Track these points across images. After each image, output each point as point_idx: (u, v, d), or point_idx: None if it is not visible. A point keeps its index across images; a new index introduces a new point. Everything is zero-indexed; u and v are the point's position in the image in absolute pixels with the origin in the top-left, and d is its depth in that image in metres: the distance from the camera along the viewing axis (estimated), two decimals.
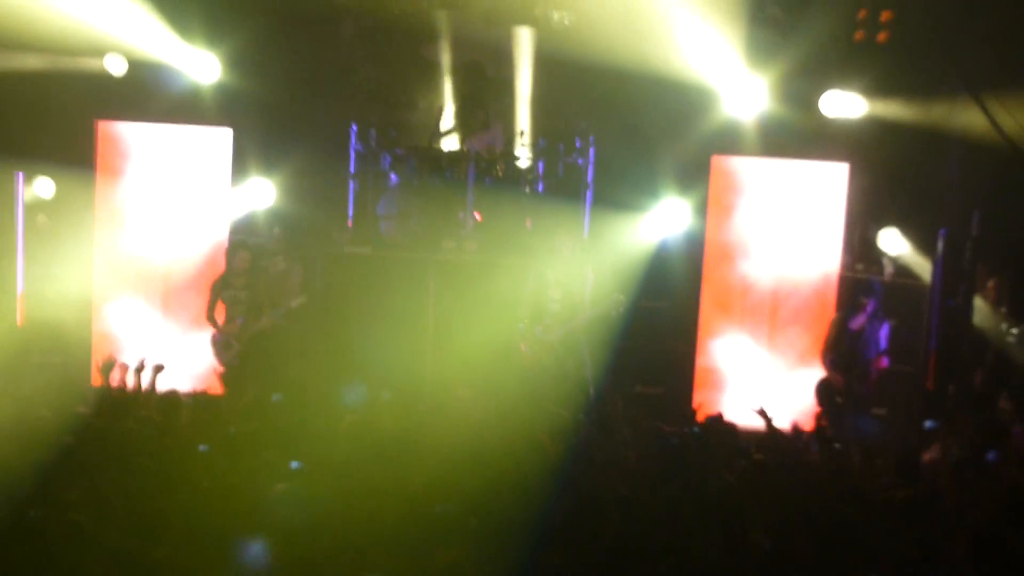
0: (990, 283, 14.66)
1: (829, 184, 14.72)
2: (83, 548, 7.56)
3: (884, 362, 13.55)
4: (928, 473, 10.17)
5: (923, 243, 14.87)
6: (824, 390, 13.74)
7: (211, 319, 14.42)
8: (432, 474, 9.49)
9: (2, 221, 14.84)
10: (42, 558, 7.41)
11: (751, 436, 12.02)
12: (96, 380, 12.23)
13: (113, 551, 7.47)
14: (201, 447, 9.63)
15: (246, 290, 14.40)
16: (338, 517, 8.42)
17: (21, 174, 14.97)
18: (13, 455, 9.13)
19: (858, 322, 13.54)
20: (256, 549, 7.69)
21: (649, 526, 8.42)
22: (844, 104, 15.44)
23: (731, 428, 11.40)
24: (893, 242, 15.04)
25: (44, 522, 7.72)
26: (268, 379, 14.17)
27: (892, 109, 15.40)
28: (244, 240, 14.98)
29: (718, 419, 11.16)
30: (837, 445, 10.87)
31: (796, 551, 7.91)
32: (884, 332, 13.60)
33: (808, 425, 12.02)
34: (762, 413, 10.89)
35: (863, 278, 14.40)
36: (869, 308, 13.50)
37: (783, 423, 11.07)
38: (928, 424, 12.25)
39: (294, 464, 9.60)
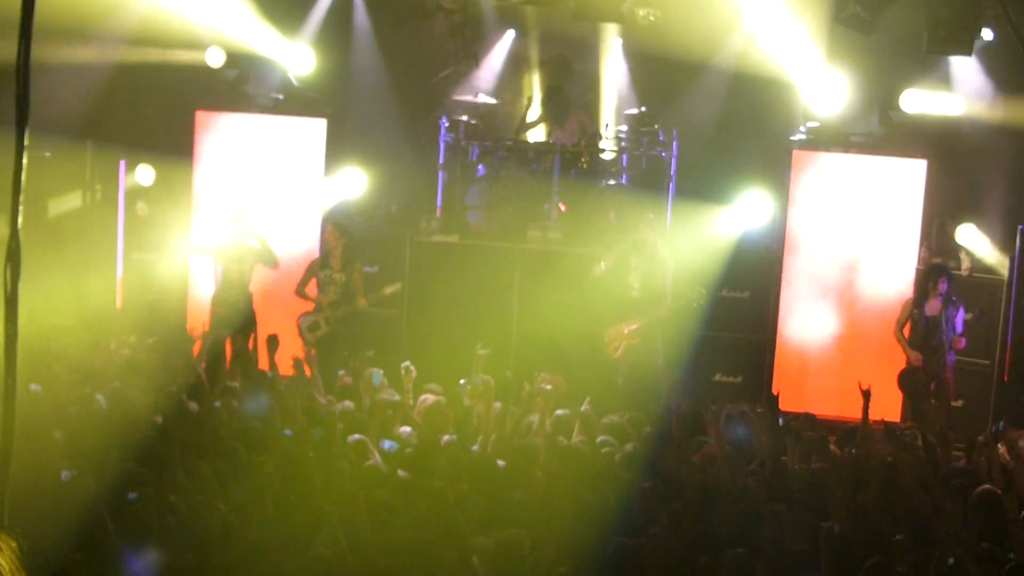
0: None
1: (907, 180, 14.74)
2: (182, 528, 7.58)
3: (962, 343, 13.48)
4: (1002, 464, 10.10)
5: (1001, 239, 14.74)
6: (908, 379, 13.77)
7: (300, 294, 14.43)
8: (513, 458, 9.59)
9: (105, 208, 14.99)
10: (141, 539, 7.35)
11: (828, 426, 12.17)
12: (191, 361, 12.35)
13: (211, 531, 7.44)
14: (286, 431, 9.69)
15: (342, 272, 14.37)
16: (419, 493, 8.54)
17: (123, 162, 15.08)
18: (112, 437, 9.25)
19: (933, 307, 13.52)
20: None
21: (728, 511, 8.44)
22: (923, 101, 15.27)
23: (810, 418, 11.53)
24: (971, 237, 14.83)
25: (143, 503, 7.71)
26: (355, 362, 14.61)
27: (971, 107, 15.27)
28: (340, 223, 14.87)
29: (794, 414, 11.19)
30: (907, 432, 10.87)
31: (869, 536, 7.91)
32: (960, 316, 13.54)
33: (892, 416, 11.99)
34: (866, 395, 10.96)
35: (934, 263, 14.32)
36: (942, 291, 13.48)
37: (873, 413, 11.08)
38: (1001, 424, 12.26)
39: (386, 444, 9.73)
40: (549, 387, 11.14)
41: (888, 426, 11.39)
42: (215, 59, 15.54)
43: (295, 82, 15.81)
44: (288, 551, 7.42)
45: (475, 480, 8.94)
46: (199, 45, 15.50)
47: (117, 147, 15.21)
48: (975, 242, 14.85)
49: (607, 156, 15.93)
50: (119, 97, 15.83)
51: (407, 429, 10.40)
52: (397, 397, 11.19)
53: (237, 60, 15.66)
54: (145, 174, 15.63)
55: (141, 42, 15.55)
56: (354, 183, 15.83)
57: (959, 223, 14.94)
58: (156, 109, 15.86)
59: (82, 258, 14.95)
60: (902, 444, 10.30)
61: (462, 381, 11.54)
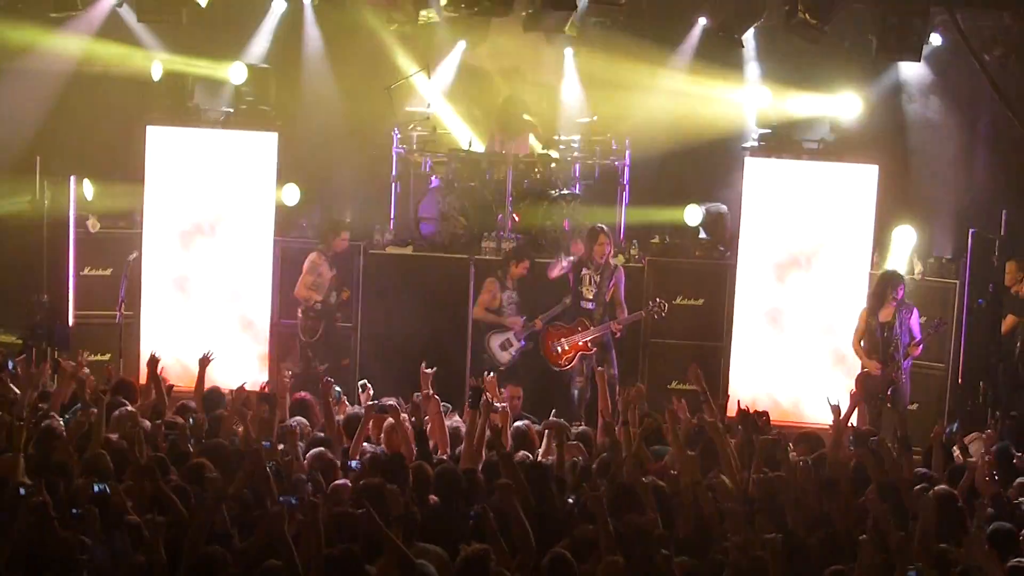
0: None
1: (860, 185, 14.71)
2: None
3: (919, 350, 13.60)
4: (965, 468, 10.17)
5: (953, 243, 14.83)
6: (865, 383, 13.74)
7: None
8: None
9: (55, 224, 14.91)
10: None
11: (787, 432, 12.14)
12: (144, 379, 12.17)
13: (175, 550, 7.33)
14: (265, 443, 9.47)
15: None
16: None
17: (73, 178, 14.81)
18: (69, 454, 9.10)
19: (887, 313, 13.57)
20: None
21: (687, 520, 8.45)
22: (873, 107, 15.29)
23: (764, 423, 11.46)
24: (917, 241, 14.83)
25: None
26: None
27: (921, 112, 15.45)
28: None
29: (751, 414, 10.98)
30: (873, 439, 10.80)
31: (833, 544, 7.98)
32: (915, 319, 13.62)
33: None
34: (836, 409, 10.94)
35: (889, 271, 14.28)
36: (897, 296, 13.53)
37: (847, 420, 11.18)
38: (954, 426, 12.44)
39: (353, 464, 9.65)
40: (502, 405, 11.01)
41: (857, 432, 11.45)
42: (160, 73, 15.40)
43: (245, 96, 15.58)
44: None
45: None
46: (147, 60, 15.40)
47: (67, 162, 15.03)
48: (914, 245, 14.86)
49: (560, 166, 15.92)
50: (69, 112, 15.81)
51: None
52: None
53: (186, 75, 15.43)
54: (96, 190, 15.37)
55: (90, 57, 15.58)
56: (305, 196, 15.70)
57: (911, 227, 14.86)
58: (106, 124, 15.80)
59: (33, 275, 14.69)
60: (868, 450, 10.25)
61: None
